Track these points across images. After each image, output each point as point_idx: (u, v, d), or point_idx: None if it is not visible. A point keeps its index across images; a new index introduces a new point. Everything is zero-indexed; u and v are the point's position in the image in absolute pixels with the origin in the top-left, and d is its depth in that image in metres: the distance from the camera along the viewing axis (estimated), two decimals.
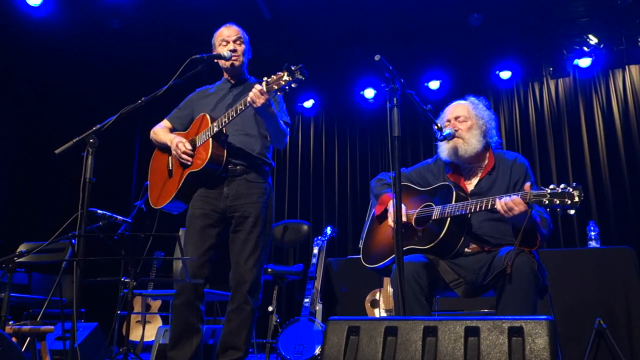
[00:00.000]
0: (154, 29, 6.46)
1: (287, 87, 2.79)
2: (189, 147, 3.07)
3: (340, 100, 7.71)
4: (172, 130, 3.33)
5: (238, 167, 3.08)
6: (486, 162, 2.91)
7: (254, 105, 2.86)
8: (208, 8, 5.89)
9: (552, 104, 6.87)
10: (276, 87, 2.79)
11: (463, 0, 6.10)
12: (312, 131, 7.96)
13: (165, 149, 3.26)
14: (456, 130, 2.87)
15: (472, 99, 3.03)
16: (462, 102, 3.02)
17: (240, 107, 2.92)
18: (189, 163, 3.06)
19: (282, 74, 2.78)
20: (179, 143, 3.10)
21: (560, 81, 6.88)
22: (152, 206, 3.26)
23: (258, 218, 3.07)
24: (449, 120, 2.94)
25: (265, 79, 2.84)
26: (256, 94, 2.83)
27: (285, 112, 3.22)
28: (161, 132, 3.31)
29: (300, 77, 2.75)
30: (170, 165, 3.24)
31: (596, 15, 6.35)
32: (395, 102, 2.46)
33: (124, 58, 6.87)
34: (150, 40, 6.61)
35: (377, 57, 2.42)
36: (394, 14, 6.29)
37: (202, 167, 2.98)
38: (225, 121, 2.96)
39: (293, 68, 2.74)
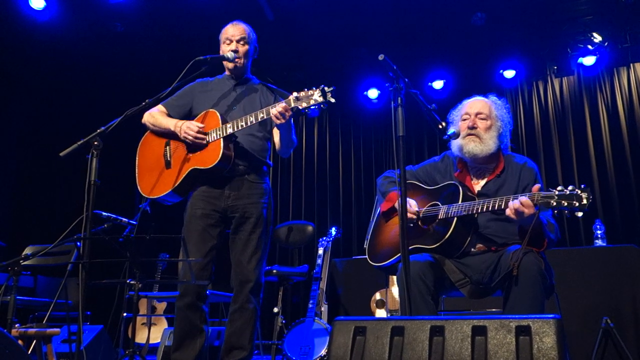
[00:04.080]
0: (157, 31, 6.47)
1: (315, 107, 2.75)
2: (200, 125, 3.01)
3: (344, 100, 7.70)
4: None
5: (240, 167, 3.08)
6: (496, 164, 2.85)
7: (277, 122, 2.84)
8: (211, 10, 5.89)
9: (556, 102, 6.85)
10: (305, 106, 2.76)
11: (467, 0, 6.08)
12: (316, 132, 7.95)
13: (162, 134, 3.19)
14: (474, 127, 2.79)
15: (494, 98, 2.94)
16: (485, 99, 2.92)
17: (262, 116, 2.90)
18: (204, 142, 3.01)
19: (312, 93, 2.75)
20: (187, 125, 3.03)
21: (565, 80, 6.87)
22: (143, 194, 3.17)
23: (259, 218, 3.07)
24: (468, 114, 2.85)
25: (294, 94, 2.80)
26: (281, 111, 2.80)
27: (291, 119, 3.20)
28: (160, 116, 3.22)
29: (331, 100, 2.72)
30: (168, 155, 3.16)
31: (600, 13, 6.33)
32: (399, 101, 2.45)
33: (128, 61, 6.89)
34: (154, 43, 6.62)
35: (381, 57, 2.41)
36: (398, 14, 6.28)
37: (211, 166, 2.95)
38: (242, 125, 2.94)
39: (326, 89, 2.71)
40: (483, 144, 2.78)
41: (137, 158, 3.29)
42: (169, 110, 3.27)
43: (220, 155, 2.94)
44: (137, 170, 3.26)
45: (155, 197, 3.13)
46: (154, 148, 3.24)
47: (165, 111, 3.27)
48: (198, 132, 3.00)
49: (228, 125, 2.97)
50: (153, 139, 3.27)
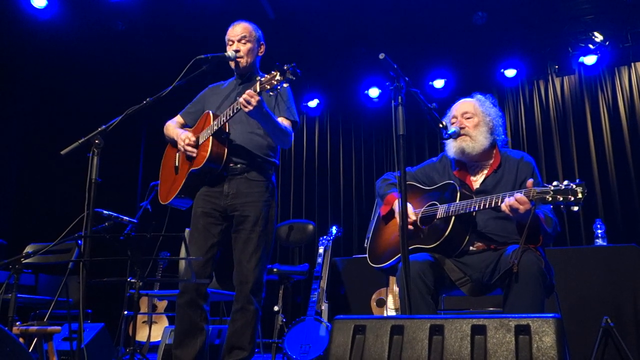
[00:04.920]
0: (158, 30, 6.47)
1: (279, 87, 2.77)
2: (193, 139, 3.09)
3: (344, 99, 7.70)
4: (184, 126, 3.35)
5: (239, 166, 3.08)
6: (492, 160, 2.89)
7: (245, 110, 2.81)
8: (212, 8, 5.90)
9: (557, 102, 6.85)
10: (268, 87, 2.76)
11: None
12: (317, 131, 7.96)
13: (175, 144, 3.28)
14: (463, 128, 2.85)
15: (479, 96, 3.00)
16: (469, 99, 2.99)
17: (237, 107, 2.89)
18: (194, 155, 3.07)
19: (274, 74, 2.76)
20: (183, 135, 3.12)
21: (566, 79, 6.86)
22: (161, 202, 3.28)
23: (259, 217, 3.06)
24: (455, 117, 2.91)
25: (258, 79, 2.81)
26: (246, 98, 2.78)
27: (290, 109, 3.16)
28: (172, 127, 3.33)
29: (291, 77, 2.72)
30: (177, 161, 3.25)
31: (601, 13, 6.32)
32: (400, 100, 2.45)
33: (129, 59, 6.89)
34: (155, 42, 6.63)
35: (381, 56, 2.41)
36: (399, 13, 6.28)
37: (201, 165, 2.99)
38: (223, 120, 2.97)
39: (285, 67, 2.72)
40: (474, 141, 2.82)
41: (160, 171, 3.41)
42: (185, 118, 3.38)
43: (208, 154, 2.97)
44: (159, 180, 3.39)
45: (166, 203, 3.23)
46: (170, 158, 3.35)
47: (181, 121, 3.37)
48: (188, 144, 3.07)
49: (214, 123, 3.00)
50: (170, 150, 3.38)
